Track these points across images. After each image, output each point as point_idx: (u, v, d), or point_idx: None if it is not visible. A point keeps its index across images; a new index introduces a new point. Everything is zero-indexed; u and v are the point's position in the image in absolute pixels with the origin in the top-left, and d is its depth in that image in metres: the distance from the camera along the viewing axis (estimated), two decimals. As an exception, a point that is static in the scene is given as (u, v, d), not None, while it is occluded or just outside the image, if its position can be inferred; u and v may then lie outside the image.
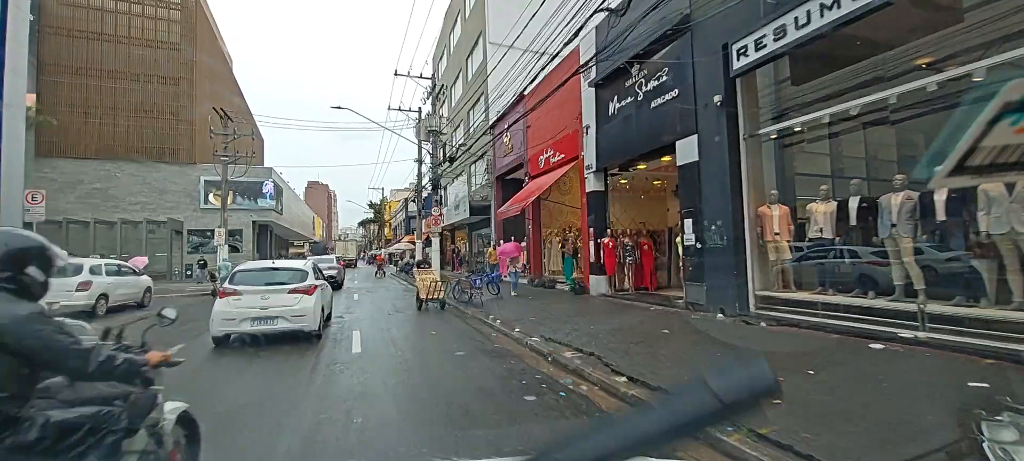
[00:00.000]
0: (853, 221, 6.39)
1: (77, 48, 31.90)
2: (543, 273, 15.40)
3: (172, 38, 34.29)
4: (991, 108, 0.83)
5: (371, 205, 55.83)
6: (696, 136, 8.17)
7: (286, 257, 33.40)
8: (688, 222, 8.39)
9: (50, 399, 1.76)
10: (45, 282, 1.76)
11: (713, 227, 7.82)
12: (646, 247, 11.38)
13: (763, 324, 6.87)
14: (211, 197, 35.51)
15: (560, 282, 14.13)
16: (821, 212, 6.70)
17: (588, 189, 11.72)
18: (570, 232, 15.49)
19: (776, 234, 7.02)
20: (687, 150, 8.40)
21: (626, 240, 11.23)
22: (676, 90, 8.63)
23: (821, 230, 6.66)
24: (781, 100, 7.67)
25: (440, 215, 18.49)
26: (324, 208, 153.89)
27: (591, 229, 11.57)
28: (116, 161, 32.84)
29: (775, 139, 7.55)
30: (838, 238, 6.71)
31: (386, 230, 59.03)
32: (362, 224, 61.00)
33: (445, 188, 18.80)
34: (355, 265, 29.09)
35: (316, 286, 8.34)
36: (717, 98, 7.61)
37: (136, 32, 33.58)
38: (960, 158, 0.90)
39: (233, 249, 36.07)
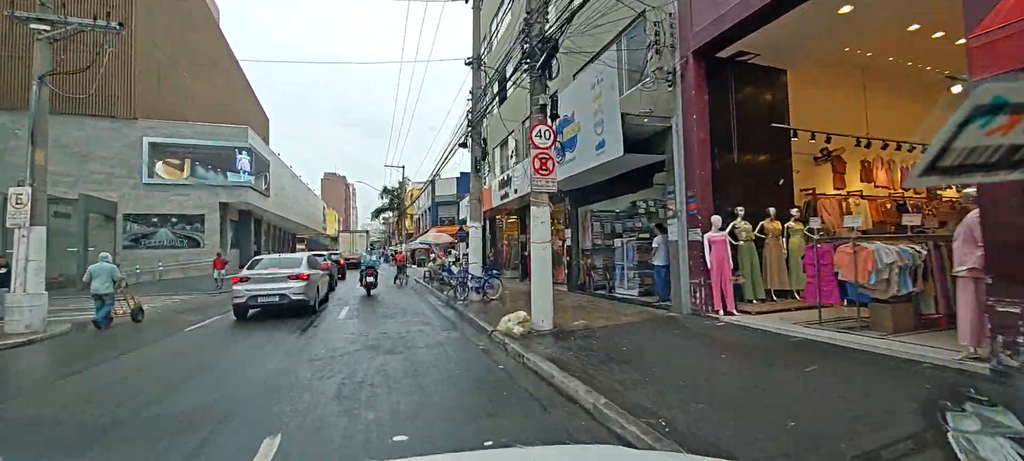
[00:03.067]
0: None
1: (-48, -59, 21.36)
2: None
3: (102, -63, 23.50)
4: (961, 111, 0.83)
5: (386, 190, 44.48)
6: None
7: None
8: None
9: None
10: None
11: None
12: None
13: None
14: (161, 168, 24.88)
15: None
16: None
17: None
18: None
19: None
20: None
21: None
22: None
23: None
24: None
25: (552, 146, 6.81)
26: (342, 202, 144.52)
27: None
28: (15, 112, 22.35)
29: None
30: None
31: (407, 222, 47.92)
32: (376, 214, 49.74)
33: (552, 99, 6.93)
34: (367, 272, 18.54)
35: None
36: None
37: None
38: (932, 159, 0.91)
39: (190, 242, 25.46)
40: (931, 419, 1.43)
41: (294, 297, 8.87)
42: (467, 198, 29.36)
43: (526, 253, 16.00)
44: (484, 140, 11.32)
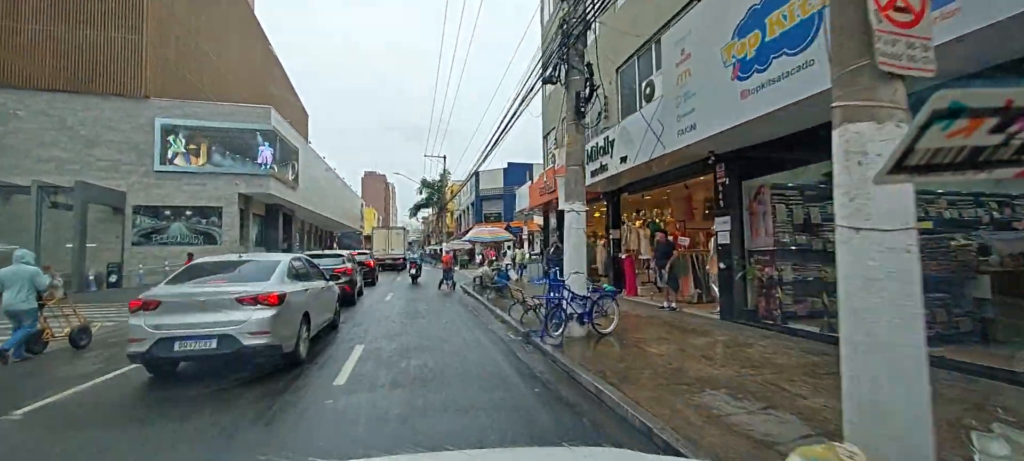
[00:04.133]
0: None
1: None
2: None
3: None
4: (921, 115, 0.85)
5: (425, 184, 40.58)
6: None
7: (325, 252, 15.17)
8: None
9: None
10: None
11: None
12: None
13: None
14: (176, 156, 21.85)
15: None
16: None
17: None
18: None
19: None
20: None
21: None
22: None
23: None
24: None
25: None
26: (382, 200, 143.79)
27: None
28: (18, 91, 19.82)
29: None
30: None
31: (448, 219, 44.07)
32: (415, 210, 45.95)
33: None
34: (412, 267, 15.51)
35: None
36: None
37: None
38: (898, 159, 0.93)
39: (206, 239, 22.35)
40: None
41: (248, 341, 4.46)
42: (518, 190, 24.67)
43: (620, 256, 11.21)
44: (589, 65, 6.65)
